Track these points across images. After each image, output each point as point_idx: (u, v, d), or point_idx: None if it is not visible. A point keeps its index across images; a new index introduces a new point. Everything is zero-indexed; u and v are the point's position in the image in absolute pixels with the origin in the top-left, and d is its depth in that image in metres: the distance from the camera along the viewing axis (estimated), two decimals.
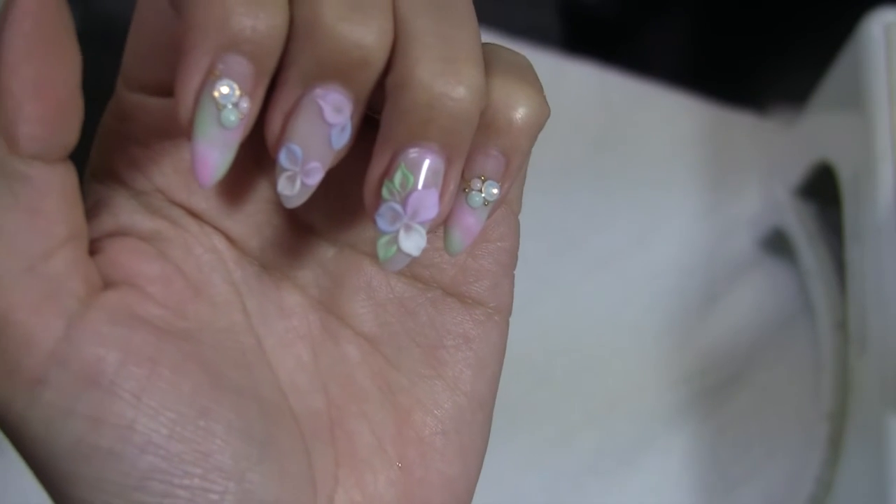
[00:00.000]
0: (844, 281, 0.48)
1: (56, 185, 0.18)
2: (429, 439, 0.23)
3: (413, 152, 0.19)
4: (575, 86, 0.62)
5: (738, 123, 0.63)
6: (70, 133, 0.18)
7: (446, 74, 0.18)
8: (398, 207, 0.19)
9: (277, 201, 0.22)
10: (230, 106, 0.18)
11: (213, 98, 0.18)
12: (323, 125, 0.19)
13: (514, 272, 0.24)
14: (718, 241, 0.59)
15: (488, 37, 0.64)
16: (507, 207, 0.23)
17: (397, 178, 0.19)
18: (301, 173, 0.19)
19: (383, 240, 0.20)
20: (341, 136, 0.19)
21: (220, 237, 0.22)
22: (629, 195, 0.60)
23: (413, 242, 0.20)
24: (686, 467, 0.52)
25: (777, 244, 0.57)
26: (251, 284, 0.22)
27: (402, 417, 0.23)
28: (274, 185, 0.22)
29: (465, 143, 0.19)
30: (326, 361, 0.23)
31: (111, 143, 0.22)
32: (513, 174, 0.21)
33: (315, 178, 0.19)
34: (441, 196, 0.20)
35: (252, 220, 0.22)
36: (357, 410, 0.23)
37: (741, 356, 0.56)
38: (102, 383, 0.19)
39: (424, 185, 0.19)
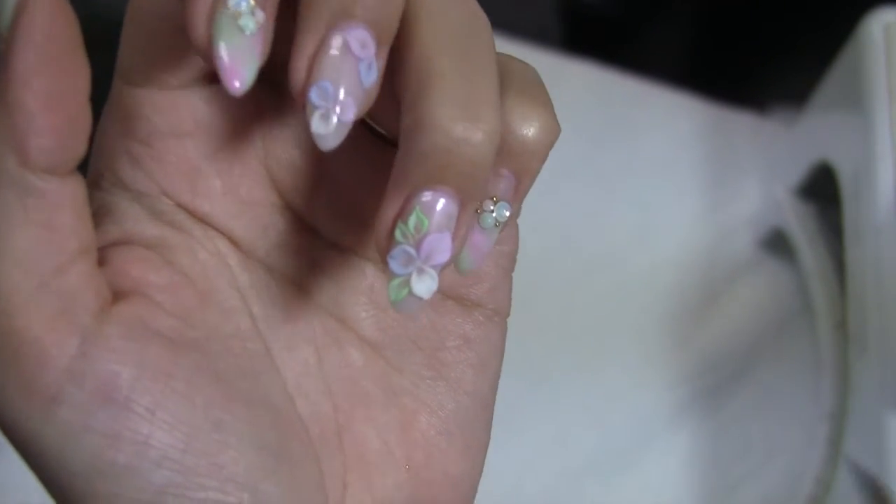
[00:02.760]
0: (844, 281, 0.48)
1: (67, 199, 0.18)
2: (434, 440, 0.23)
3: (427, 196, 0.19)
4: (575, 85, 0.62)
5: (738, 123, 0.63)
6: (80, 145, 0.18)
7: (466, 119, 0.18)
8: (412, 251, 0.19)
9: (282, 203, 0.22)
10: (246, 11, 0.18)
11: (227, 8, 0.18)
12: (352, 59, 0.18)
13: (513, 274, 0.24)
14: (718, 241, 0.59)
15: None
16: None
17: (412, 221, 0.19)
18: (335, 109, 0.18)
19: (395, 282, 0.19)
20: (369, 74, 0.19)
21: (225, 241, 0.22)
22: (629, 195, 0.60)
23: (425, 286, 0.19)
24: (686, 467, 0.52)
25: (777, 244, 0.57)
26: (257, 289, 0.22)
27: (407, 420, 0.23)
28: (278, 187, 0.22)
29: (480, 186, 0.19)
30: (331, 366, 0.23)
31: (112, 147, 0.22)
32: (523, 194, 0.21)
33: (350, 114, 0.19)
34: (454, 239, 0.19)
35: (257, 223, 0.22)
36: (363, 415, 0.23)
37: (741, 356, 0.56)
38: (118, 399, 0.19)
39: (438, 229, 0.19)
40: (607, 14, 0.75)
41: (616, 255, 0.58)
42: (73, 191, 0.18)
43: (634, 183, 0.60)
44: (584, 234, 0.58)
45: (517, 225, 0.24)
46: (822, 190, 0.52)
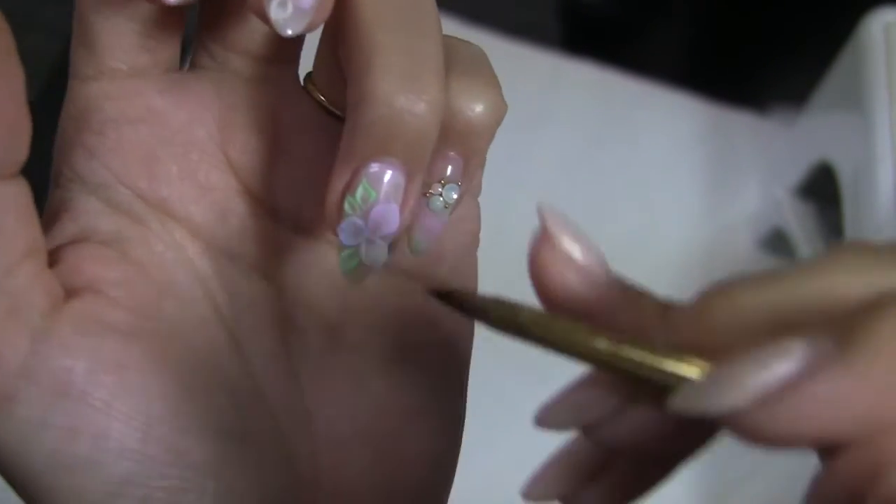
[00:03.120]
0: None
1: (11, 202, 0.18)
2: (406, 420, 0.23)
3: (374, 167, 0.19)
4: (574, 86, 0.62)
5: (738, 123, 0.63)
6: (21, 148, 0.18)
7: (408, 91, 0.19)
8: (360, 222, 0.20)
9: (241, 188, 0.22)
10: None
11: None
12: None
13: (477, 251, 0.24)
14: (718, 241, 0.59)
15: (489, 37, 0.64)
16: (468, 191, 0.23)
17: (359, 193, 0.19)
18: None
19: (346, 253, 0.20)
20: None
21: (184, 231, 0.22)
22: (629, 195, 0.60)
23: (374, 256, 0.20)
24: (685, 467, 0.52)
25: (777, 244, 0.57)
26: (219, 277, 0.22)
27: (377, 401, 0.23)
28: (236, 171, 0.22)
29: (425, 157, 0.20)
30: (298, 350, 0.23)
31: (69, 143, 0.22)
32: (472, 174, 0.21)
33: (307, 2, 0.19)
34: (402, 210, 0.20)
35: (217, 208, 0.22)
36: (332, 398, 0.23)
37: None
38: (73, 393, 0.19)
39: (385, 200, 0.19)
40: (607, 14, 0.75)
41: (616, 254, 0.58)
42: (16, 194, 0.19)
43: (634, 183, 0.60)
44: None
45: (478, 204, 0.24)
46: (822, 190, 0.52)
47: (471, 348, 0.24)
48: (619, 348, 0.16)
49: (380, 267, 0.20)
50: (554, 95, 0.60)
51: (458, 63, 0.20)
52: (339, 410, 0.23)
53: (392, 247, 0.20)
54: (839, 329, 0.14)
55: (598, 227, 0.63)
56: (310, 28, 0.19)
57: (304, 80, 0.22)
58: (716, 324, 0.16)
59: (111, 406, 0.19)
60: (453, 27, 0.61)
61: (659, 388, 0.16)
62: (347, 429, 0.23)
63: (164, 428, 0.20)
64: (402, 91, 0.18)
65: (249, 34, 0.22)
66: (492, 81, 0.21)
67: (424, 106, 0.19)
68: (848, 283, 0.15)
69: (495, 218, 0.58)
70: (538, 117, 0.59)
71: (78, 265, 0.20)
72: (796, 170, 0.55)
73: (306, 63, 0.22)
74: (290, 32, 0.19)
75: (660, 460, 0.19)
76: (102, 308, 0.20)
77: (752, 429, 0.15)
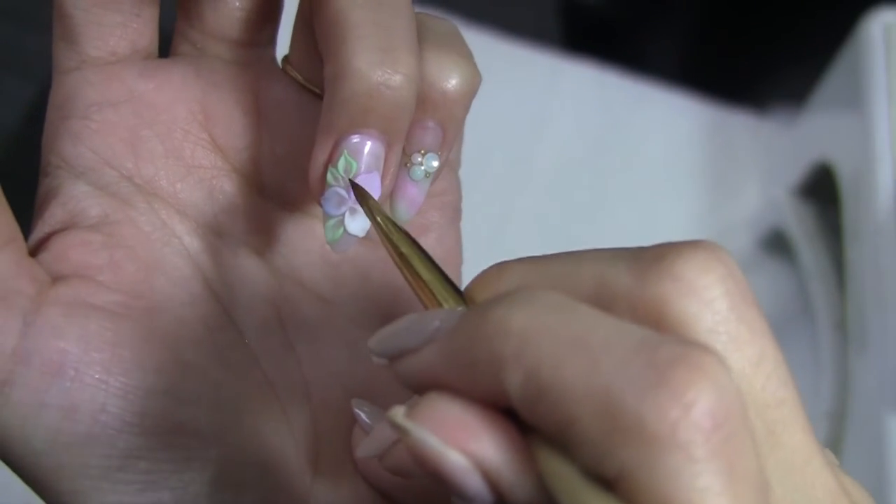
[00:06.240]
0: (844, 281, 0.48)
1: None
2: (398, 386, 0.23)
3: (355, 139, 0.20)
4: (574, 86, 0.62)
5: (738, 123, 0.63)
6: None
7: (384, 64, 0.19)
8: (343, 192, 0.20)
9: (227, 167, 0.23)
10: None
11: None
12: None
13: (461, 224, 0.25)
14: (718, 241, 0.59)
15: (489, 37, 0.64)
16: (448, 164, 0.24)
17: (341, 164, 0.20)
18: None
19: (331, 223, 0.21)
20: None
21: (171, 210, 0.22)
22: (629, 195, 0.60)
23: (359, 224, 0.21)
24: None
25: (777, 244, 0.57)
26: (209, 253, 0.23)
27: (371, 371, 0.23)
28: (221, 150, 0.23)
29: (403, 127, 0.20)
30: (292, 324, 0.23)
31: (55, 131, 0.22)
32: (450, 143, 0.22)
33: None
34: (383, 178, 0.21)
35: (203, 186, 0.23)
36: (327, 368, 0.23)
37: None
38: (68, 373, 0.19)
39: (366, 170, 0.20)
40: (607, 14, 0.76)
41: None
42: None
43: (634, 183, 0.60)
44: (584, 235, 0.58)
45: (458, 177, 0.25)
46: (822, 190, 0.52)
47: None
48: (416, 258, 0.19)
49: (364, 235, 0.21)
50: (554, 95, 0.60)
51: (431, 37, 0.21)
52: (334, 379, 0.23)
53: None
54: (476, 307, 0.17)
55: (597, 226, 0.63)
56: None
57: (282, 61, 0.23)
58: (490, 284, 0.18)
59: (107, 382, 0.20)
60: None
61: None
62: (342, 396, 0.23)
63: (162, 400, 0.20)
64: (378, 65, 0.19)
65: (226, 19, 0.22)
66: (464, 53, 0.21)
67: (400, 78, 0.19)
68: (584, 271, 0.17)
69: (496, 217, 0.58)
70: (538, 117, 0.59)
71: (64, 252, 0.21)
72: (796, 170, 0.55)
73: (282, 48, 0.23)
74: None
75: None
76: (90, 291, 0.20)
77: (397, 369, 0.18)
